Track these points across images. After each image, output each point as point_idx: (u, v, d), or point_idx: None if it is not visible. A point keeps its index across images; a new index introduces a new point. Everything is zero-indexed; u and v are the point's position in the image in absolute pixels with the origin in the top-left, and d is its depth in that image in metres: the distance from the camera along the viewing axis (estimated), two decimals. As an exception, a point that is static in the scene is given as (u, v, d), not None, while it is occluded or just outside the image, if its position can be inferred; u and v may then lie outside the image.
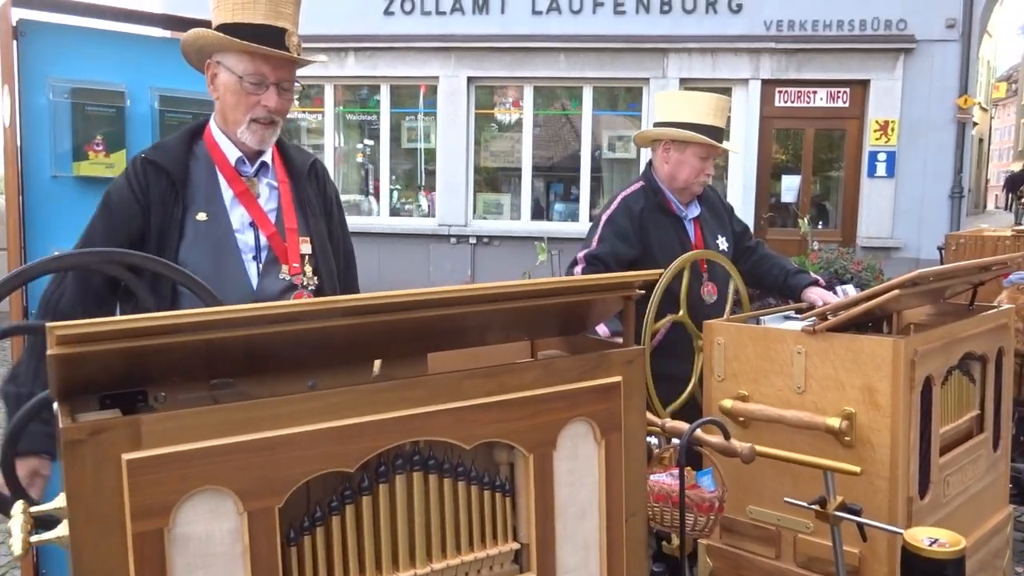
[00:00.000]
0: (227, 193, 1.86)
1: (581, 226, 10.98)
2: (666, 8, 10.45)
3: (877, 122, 10.11)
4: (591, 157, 11.03)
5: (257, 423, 0.99)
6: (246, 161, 1.89)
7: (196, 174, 1.86)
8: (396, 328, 1.16)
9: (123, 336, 0.92)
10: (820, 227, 10.54)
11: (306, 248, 1.90)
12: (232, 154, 1.88)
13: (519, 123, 11.22)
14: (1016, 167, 35.41)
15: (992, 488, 2.44)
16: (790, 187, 10.81)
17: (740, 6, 10.29)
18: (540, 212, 11.43)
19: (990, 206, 34.76)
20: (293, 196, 1.94)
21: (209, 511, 0.97)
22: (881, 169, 10.19)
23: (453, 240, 11.10)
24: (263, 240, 1.85)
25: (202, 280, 1.52)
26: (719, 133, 2.74)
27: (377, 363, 1.34)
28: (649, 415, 1.79)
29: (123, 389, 1.11)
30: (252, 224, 1.86)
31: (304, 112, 11.75)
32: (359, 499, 1.09)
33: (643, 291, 1.32)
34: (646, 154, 10.71)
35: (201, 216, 1.81)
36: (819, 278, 2.76)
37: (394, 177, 11.70)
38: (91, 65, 2.14)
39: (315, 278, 1.90)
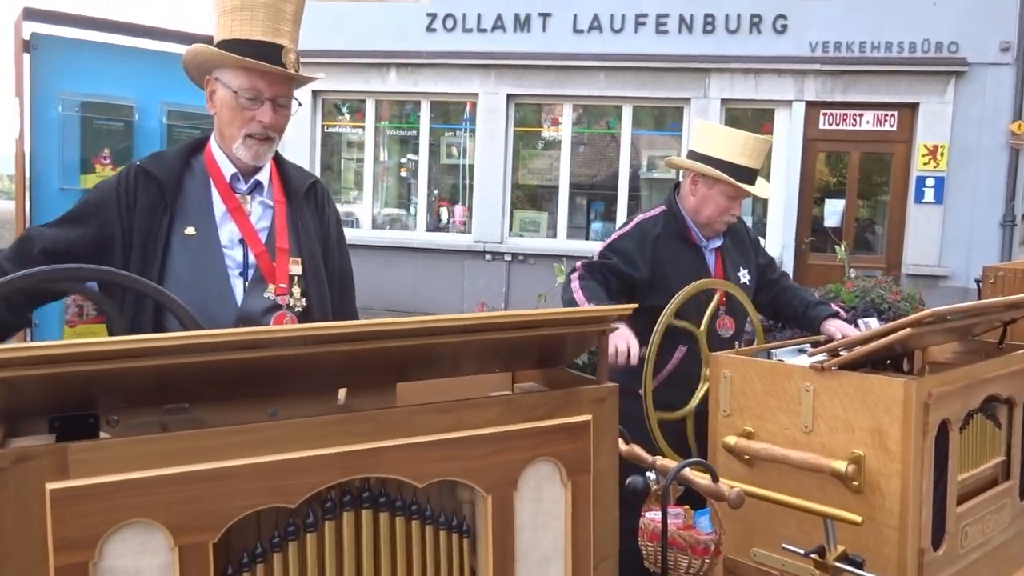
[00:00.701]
0: (219, 208, 1.85)
1: (618, 246, 10.87)
2: (709, 28, 10.35)
3: (926, 146, 9.86)
4: (629, 176, 10.95)
5: (192, 454, 0.96)
6: (240, 178, 1.89)
7: (190, 188, 1.85)
8: (362, 357, 1.12)
9: (57, 361, 0.90)
10: (864, 253, 10.29)
11: (296, 269, 1.88)
12: (227, 170, 1.87)
13: (557, 141, 11.20)
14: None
15: (1018, 540, 2.31)
16: (833, 211, 10.59)
17: (785, 27, 10.14)
18: (577, 231, 11.37)
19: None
20: (288, 216, 1.92)
21: (138, 545, 0.94)
22: (929, 195, 9.92)
23: (488, 257, 11.09)
24: (251, 258, 1.84)
25: (182, 301, 1.50)
26: (751, 175, 2.65)
27: (342, 392, 1.30)
28: (639, 451, 1.73)
29: (72, 411, 1.09)
30: (242, 241, 1.85)
31: (346, 127, 11.89)
32: (303, 536, 1.05)
33: (621, 321, 1.26)
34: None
35: (189, 230, 1.81)
36: (840, 310, 2.66)
37: (434, 192, 11.75)
38: (101, 79, 2.16)
39: (303, 300, 1.88)
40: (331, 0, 11.28)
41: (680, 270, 2.61)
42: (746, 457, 2.09)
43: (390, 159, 12.04)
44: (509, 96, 10.98)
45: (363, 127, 11.68)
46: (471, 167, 11.35)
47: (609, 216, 11.25)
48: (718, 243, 2.74)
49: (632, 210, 11.07)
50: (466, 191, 11.52)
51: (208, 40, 1.90)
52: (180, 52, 2.38)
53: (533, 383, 1.42)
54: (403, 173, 12.02)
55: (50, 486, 0.89)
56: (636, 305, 1.33)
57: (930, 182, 9.95)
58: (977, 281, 3.87)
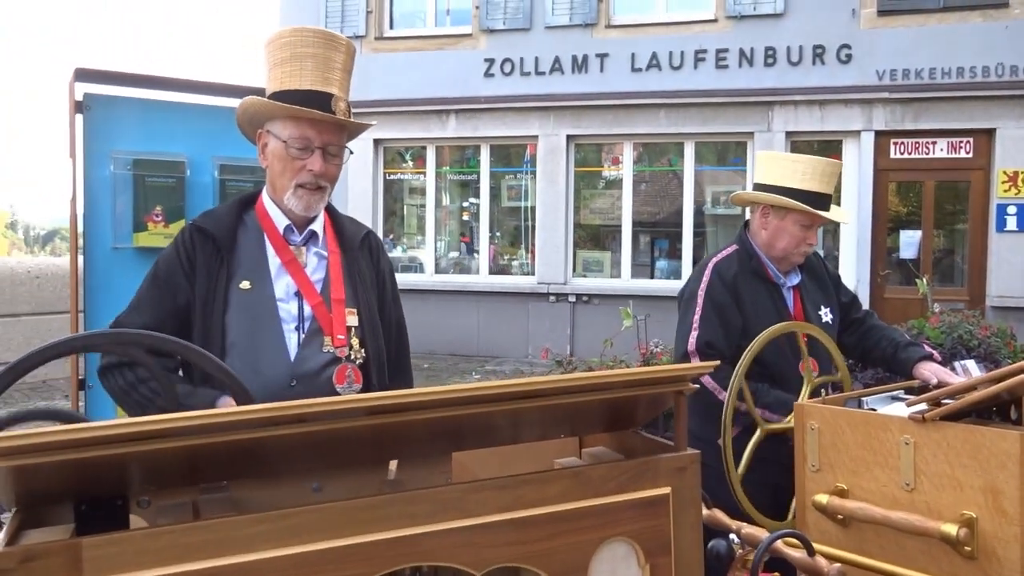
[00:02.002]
0: (274, 262, 1.80)
1: (683, 284, 10.61)
2: (770, 60, 10.16)
3: (1005, 173, 9.41)
4: (694, 212, 10.75)
5: (218, 546, 0.85)
6: (294, 229, 1.83)
7: (244, 242, 1.81)
8: (414, 428, 1.01)
9: (78, 446, 0.81)
10: (945, 286, 9.82)
11: (353, 320, 1.81)
12: (281, 222, 1.82)
13: (619, 180, 11.09)
14: None
15: None
16: (910, 242, 10.16)
17: (850, 56, 9.89)
18: (642, 269, 11.18)
19: None
20: (343, 267, 1.86)
21: (162, 651, 0.83)
22: (1012, 223, 9.44)
23: (552, 299, 10.98)
24: (307, 310, 1.78)
25: (232, 370, 1.43)
26: (825, 200, 2.49)
27: (393, 464, 1.19)
28: (722, 516, 1.56)
29: (100, 495, 1.00)
30: (297, 293, 1.79)
31: (408, 173, 12.02)
32: (348, 634, 0.93)
33: (696, 385, 1.12)
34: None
35: (244, 284, 1.75)
36: (933, 352, 2.44)
37: (496, 235, 11.74)
38: (153, 136, 2.15)
39: (362, 351, 1.79)
40: (390, 51, 11.52)
41: (759, 310, 2.44)
42: (840, 518, 1.90)
43: (452, 203, 12.11)
44: (569, 137, 10.95)
45: (424, 173, 11.79)
46: (532, 209, 11.32)
47: (674, 254, 11.04)
48: (795, 280, 2.56)
49: (697, 247, 10.85)
50: (528, 233, 11.47)
51: (259, 92, 1.86)
52: (231, 106, 2.38)
53: (603, 448, 1.28)
54: (465, 217, 12.06)
55: (62, 587, 0.79)
56: (717, 363, 1.19)
57: (1012, 209, 9.48)
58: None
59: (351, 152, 1.87)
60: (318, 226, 1.87)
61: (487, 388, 0.99)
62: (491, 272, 11.62)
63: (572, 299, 10.97)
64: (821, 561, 1.28)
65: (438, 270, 11.83)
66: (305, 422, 0.93)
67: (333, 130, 1.78)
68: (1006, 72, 9.37)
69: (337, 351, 1.77)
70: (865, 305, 10.05)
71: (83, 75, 2.00)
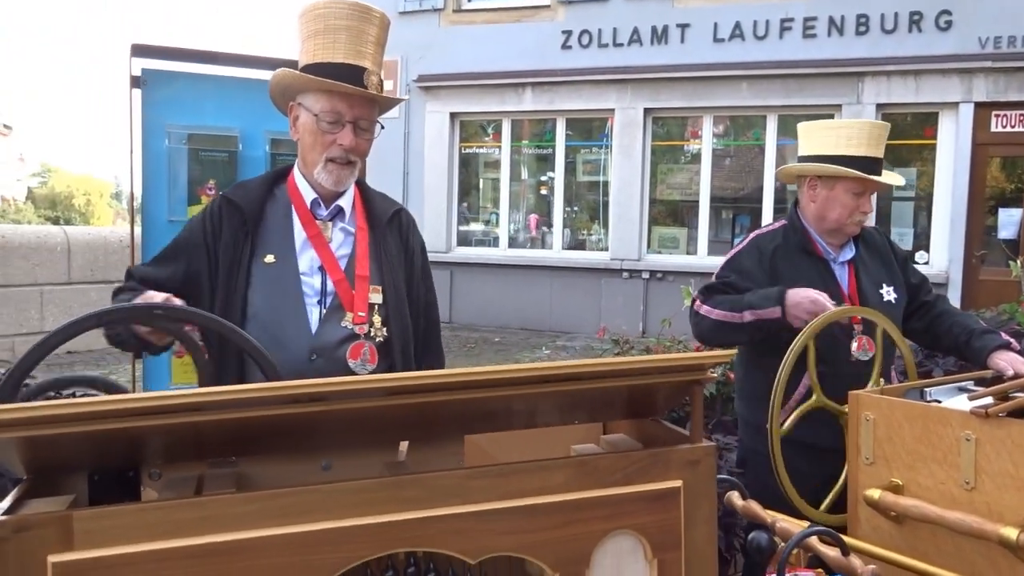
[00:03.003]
0: (299, 236, 1.81)
1: (763, 262, 10.33)
2: (863, 29, 9.68)
3: (1118, 147, 8.76)
4: (774, 189, 10.40)
5: (210, 523, 0.86)
6: (321, 204, 1.83)
7: (272, 216, 1.82)
8: (426, 410, 1.00)
9: (95, 418, 0.83)
10: (1045, 267, 9.24)
11: (376, 298, 1.80)
12: (308, 196, 1.83)
13: (697, 154, 10.82)
14: None
15: None
16: (1009, 221, 9.59)
17: (950, 23, 9.33)
18: (720, 246, 10.91)
19: None
20: (370, 244, 1.85)
21: (149, 623, 0.85)
22: (1125, 202, 8.80)
23: (625, 275, 10.84)
24: (330, 285, 1.77)
25: (257, 343, 1.45)
26: (875, 164, 2.35)
27: (404, 445, 1.18)
28: (757, 507, 1.50)
29: (113, 466, 1.03)
30: (321, 268, 1.79)
31: (483, 147, 12.01)
32: (341, 615, 0.93)
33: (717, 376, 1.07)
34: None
35: (269, 258, 1.76)
36: (1012, 340, 2.28)
37: (570, 210, 11.64)
38: (207, 111, 2.18)
39: (383, 330, 1.79)
40: (468, 24, 11.49)
41: (801, 285, 2.32)
42: (893, 514, 1.81)
43: (527, 178, 12.06)
44: (646, 110, 10.73)
45: (500, 147, 11.75)
46: (608, 183, 11.17)
47: (754, 230, 10.73)
48: (849, 255, 2.42)
49: (778, 224, 10.51)
50: (603, 208, 11.33)
51: (292, 65, 1.86)
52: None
53: (622, 435, 1.24)
54: (542, 191, 11.99)
55: (52, 559, 0.81)
56: (735, 352, 1.13)
57: None
58: None
59: (383, 127, 1.85)
60: (346, 202, 1.86)
61: (500, 372, 0.96)
62: (565, 247, 11.54)
63: (646, 275, 10.81)
64: (855, 561, 1.22)
65: (512, 244, 11.83)
66: (323, 400, 0.93)
67: (364, 104, 1.76)
68: (1123, 37, 8.69)
69: (356, 328, 1.76)
70: (958, 287, 9.57)
71: (139, 51, 2.05)
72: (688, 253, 10.93)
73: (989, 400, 1.70)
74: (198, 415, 0.89)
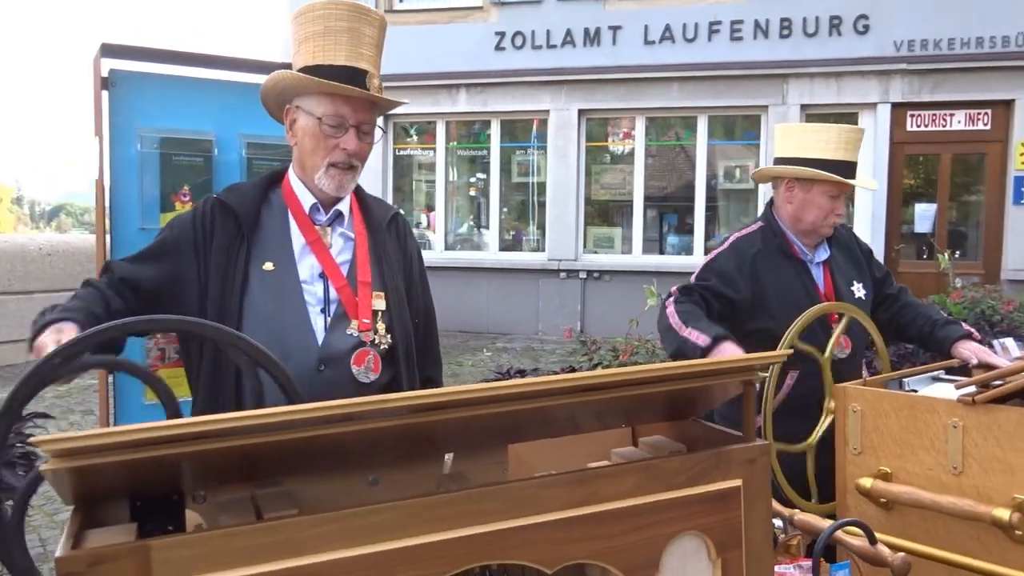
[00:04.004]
0: (298, 242, 1.75)
1: (696, 259, 10.57)
2: (786, 32, 10.01)
3: (1023, 145, 9.29)
4: (706, 187, 10.66)
5: (286, 548, 0.83)
6: (320, 209, 1.78)
7: (268, 221, 1.76)
8: (472, 422, 0.98)
9: (126, 447, 0.78)
10: (959, 259, 9.73)
11: (379, 304, 1.76)
12: (307, 201, 1.78)
13: (631, 154, 10.99)
14: None
15: None
16: (924, 216, 10.07)
17: (867, 27, 9.73)
18: (653, 245, 11.12)
19: None
20: (370, 249, 1.81)
21: (233, 654, 0.81)
22: (1029, 196, 9.35)
23: (563, 275, 10.93)
24: (332, 292, 1.73)
25: (273, 356, 1.39)
26: (850, 168, 2.43)
27: (449, 456, 1.16)
28: (775, 503, 1.53)
29: (156, 491, 0.97)
30: (322, 275, 1.74)
31: (417, 148, 11.93)
32: (418, 633, 0.90)
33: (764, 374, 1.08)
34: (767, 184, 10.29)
35: (268, 265, 1.70)
36: (972, 330, 2.39)
37: (505, 211, 11.67)
38: (180, 114, 2.09)
39: (388, 336, 1.75)
40: (400, 24, 11.38)
41: (782, 288, 2.39)
42: (883, 501, 1.87)
43: (461, 179, 12.03)
44: (580, 111, 10.84)
45: (434, 148, 11.70)
46: (542, 184, 11.24)
47: (685, 229, 10.97)
48: (824, 256, 2.50)
49: (709, 222, 10.78)
50: (538, 209, 11.40)
51: (287, 67, 1.81)
52: (258, 82, 2.32)
53: (661, 437, 1.25)
54: (474, 193, 11.98)
55: (133, 591, 0.76)
56: (791, 351, 1.15)
57: (1030, 182, 9.37)
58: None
59: (383, 131, 1.82)
60: (344, 206, 1.82)
61: (549, 382, 0.95)
62: (501, 248, 11.56)
63: (583, 275, 10.92)
64: (884, 550, 1.25)
65: (447, 247, 11.78)
66: (360, 420, 0.90)
67: (367, 108, 1.73)
68: (1026, 42, 9.23)
69: (362, 335, 1.73)
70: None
71: (109, 51, 1.94)
72: (623, 252, 11.08)
73: (973, 388, 1.78)
74: (254, 437, 0.86)
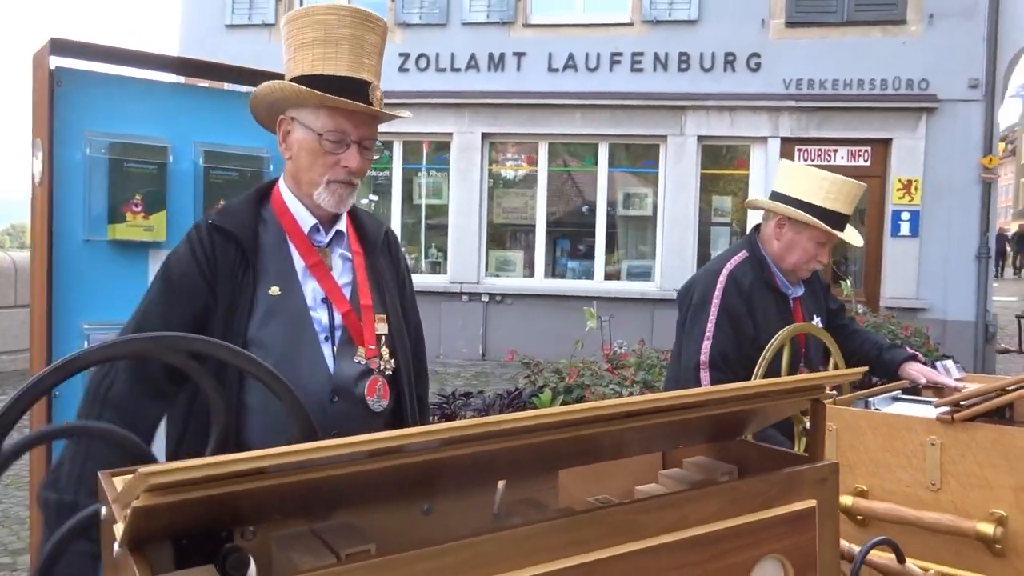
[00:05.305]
0: (299, 264, 1.63)
1: (595, 284, 10.78)
2: (684, 66, 10.40)
3: (900, 181, 9.98)
4: (607, 214, 10.88)
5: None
6: (321, 228, 1.66)
7: (267, 243, 1.62)
8: (526, 449, 0.91)
9: (228, 479, 0.67)
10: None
11: (382, 328, 1.66)
12: (306, 221, 1.65)
13: (533, 179, 11.10)
14: (1015, 226, 35.44)
15: None
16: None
17: (759, 65, 10.24)
18: (555, 269, 11.24)
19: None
20: (367, 269, 1.71)
21: None
22: (905, 228, 10.02)
23: (465, 298, 10.88)
24: (337, 318, 1.62)
25: (277, 371, 1.28)
26: (843, 220, 2.48)
27: (501, 483, 1.09)
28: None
29: (204, 528, 0.86)
30: (325, 300, 1.62)
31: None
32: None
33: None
34: (664, 211, 10.64)
35: (274, 290, 1.57)
36: (917, 353, 2.51)
37: (408, 234, 11.53)
38: (132, 118, 1.92)
39: (392, 361, 1.66)
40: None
41: (770, 320, 2.41)
42: (860, 518, 1.91)
43: (362, 200, 11.81)
44: (484, 135, 10.87)
45: (335, 168, 11.43)
46: (445, 207, 11.18)
47: (586, 254, 11.14)
48: (800, 291, 2.56)
49: (609, 247, 10.99)
50: (442, 231, 11.33)
51: (266, 76, 1.69)
52: (216, 87, 2.18)
53: (703, 457, 1.22)
54: (380, 214, 11.78)
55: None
56: (865, 369, 1.15)
57: (905, 215, 10.05)
58: (1019, 317, 3.77)
59: (383, 147, 1.73)
60: (343, 224, 1.71)
61: (617, 406, 0.90)
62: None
63: (485, 299, 10.90)
64: (915, 568, 1.26)
65: (348, 268, 11.51)
66: (467, 443, 0.83)
67: (369, 123, 1.62)
68: (902, 85, 9.93)
69: (369, 362, 1.62)
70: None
71: (59, 47, 1.74)
72: (525, 276, 11.14)
73: (946, 408, 1.85)
74: (315, 472, 0.77)
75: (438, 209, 11.38)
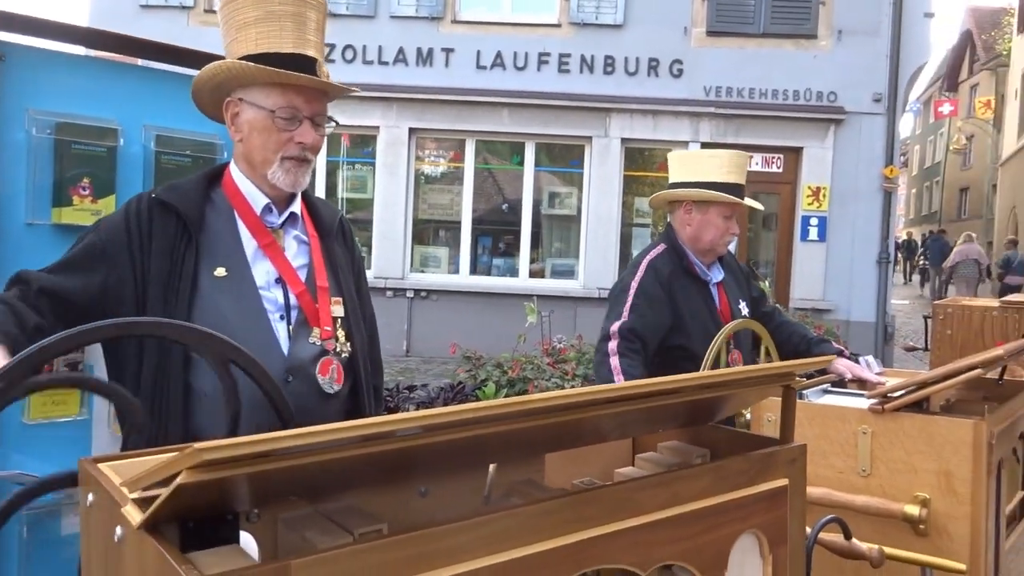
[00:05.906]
0: (249, 245, 1.62)
1: (520, 282, 10.88)
2: (609, 69, 10.60)
3: (809, 188, 10.43)
4: (532, 212, 10.99)
5: (422, 560, 0.77)
6: (273, 209, 1.66)
7: (214, 223, 1.62)
8: (518, 434, 0.96)
9: (267, 457, 0.69)
10: (755, 288, 10.71)
11: (338, 311, 1.67)
12: (258, 202, 1.65)
13: (460, 176, 11.12)
14: (904, 234, 37.47)
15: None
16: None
17: (681, 71, 10.53)
18: (480, 266, 11.28)
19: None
20: (323, 253, 1.71)
21: None
22: (813, 233, 10.49)
23: (389, 293, 10.80)
24: (292, 299, 1.62)
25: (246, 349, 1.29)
26: (740, 190, 2.64)
27: (492, 467, 1.12)
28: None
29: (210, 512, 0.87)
30: (279, 280, 1.62)
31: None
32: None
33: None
34: (588, 210, 10.82)
35: (220, 271, 1.57)
36: (843, 348, 2.66)
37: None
38: (80, 98, 1.85)
39: (348, 344, 1.67)
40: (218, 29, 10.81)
41: (693, 308, 2.54)
42: (796, 504, 2.03)
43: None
44: (411, 130, 10.83)
45: (255, 159, 11.18)
46: (371, 201, 11.08)
47: (511, 252, 11.23)
48: (719, 277, 2.68)
49: (534, 245, 11.11)
50: (367, 226, 11.21)
51: (209, 58, 1.67)
52: (166, 69, 2.12)
53: (677, 442, 1.28)
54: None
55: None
56: (832, 358, 1.23)
57: (813, 221, 10.52)
58: (926, 317, 4.03)
59: (336, 123, 1.74)
60: (297, 207, 1.71)
61: (604, 392, 0.95)
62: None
63: (410, 294, 10.86)
64: (861, 545, 1.36)
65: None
66: (481, 424, 0.86)
67: (320, 98, 1.64)
68: (812, 97, 10.39)
69: (325, 343, 1.63)
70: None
71: (3, 21, 1.68)
72: (450, 272, 11.15)
73: (875, 400, 1.97)
74: (329, 453, 0.79)
75: (360, 203, 11.26)
